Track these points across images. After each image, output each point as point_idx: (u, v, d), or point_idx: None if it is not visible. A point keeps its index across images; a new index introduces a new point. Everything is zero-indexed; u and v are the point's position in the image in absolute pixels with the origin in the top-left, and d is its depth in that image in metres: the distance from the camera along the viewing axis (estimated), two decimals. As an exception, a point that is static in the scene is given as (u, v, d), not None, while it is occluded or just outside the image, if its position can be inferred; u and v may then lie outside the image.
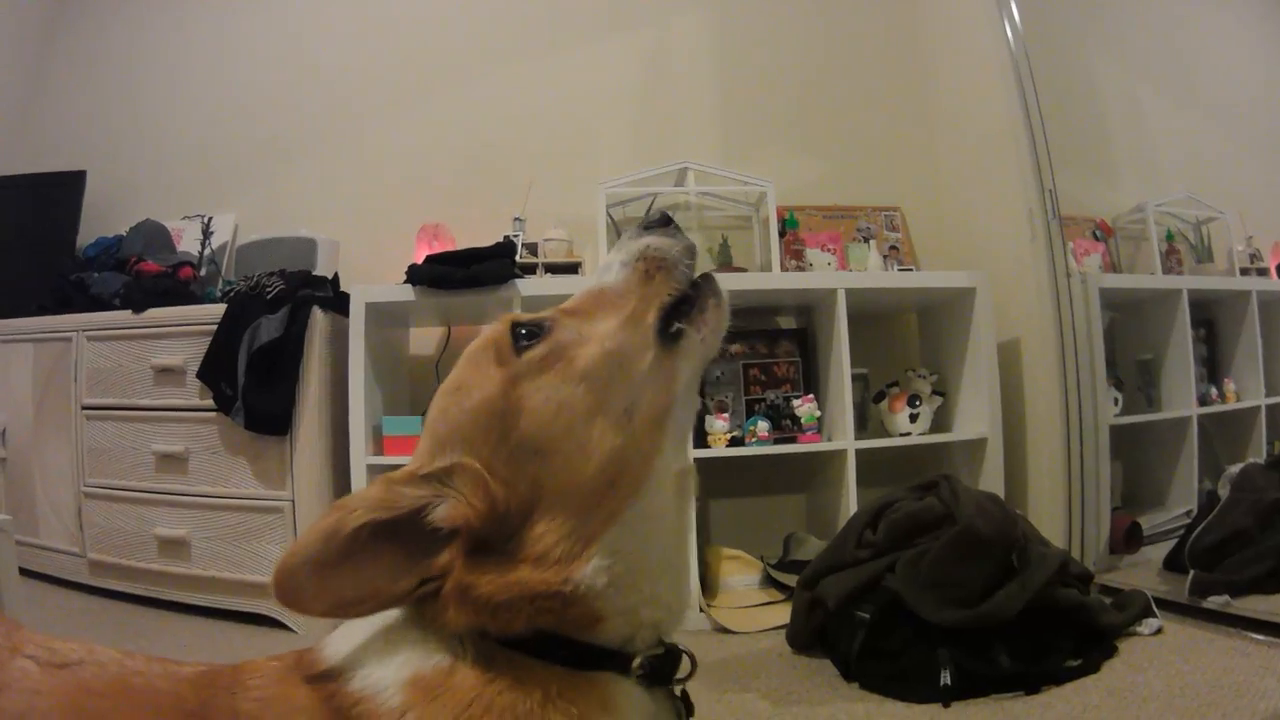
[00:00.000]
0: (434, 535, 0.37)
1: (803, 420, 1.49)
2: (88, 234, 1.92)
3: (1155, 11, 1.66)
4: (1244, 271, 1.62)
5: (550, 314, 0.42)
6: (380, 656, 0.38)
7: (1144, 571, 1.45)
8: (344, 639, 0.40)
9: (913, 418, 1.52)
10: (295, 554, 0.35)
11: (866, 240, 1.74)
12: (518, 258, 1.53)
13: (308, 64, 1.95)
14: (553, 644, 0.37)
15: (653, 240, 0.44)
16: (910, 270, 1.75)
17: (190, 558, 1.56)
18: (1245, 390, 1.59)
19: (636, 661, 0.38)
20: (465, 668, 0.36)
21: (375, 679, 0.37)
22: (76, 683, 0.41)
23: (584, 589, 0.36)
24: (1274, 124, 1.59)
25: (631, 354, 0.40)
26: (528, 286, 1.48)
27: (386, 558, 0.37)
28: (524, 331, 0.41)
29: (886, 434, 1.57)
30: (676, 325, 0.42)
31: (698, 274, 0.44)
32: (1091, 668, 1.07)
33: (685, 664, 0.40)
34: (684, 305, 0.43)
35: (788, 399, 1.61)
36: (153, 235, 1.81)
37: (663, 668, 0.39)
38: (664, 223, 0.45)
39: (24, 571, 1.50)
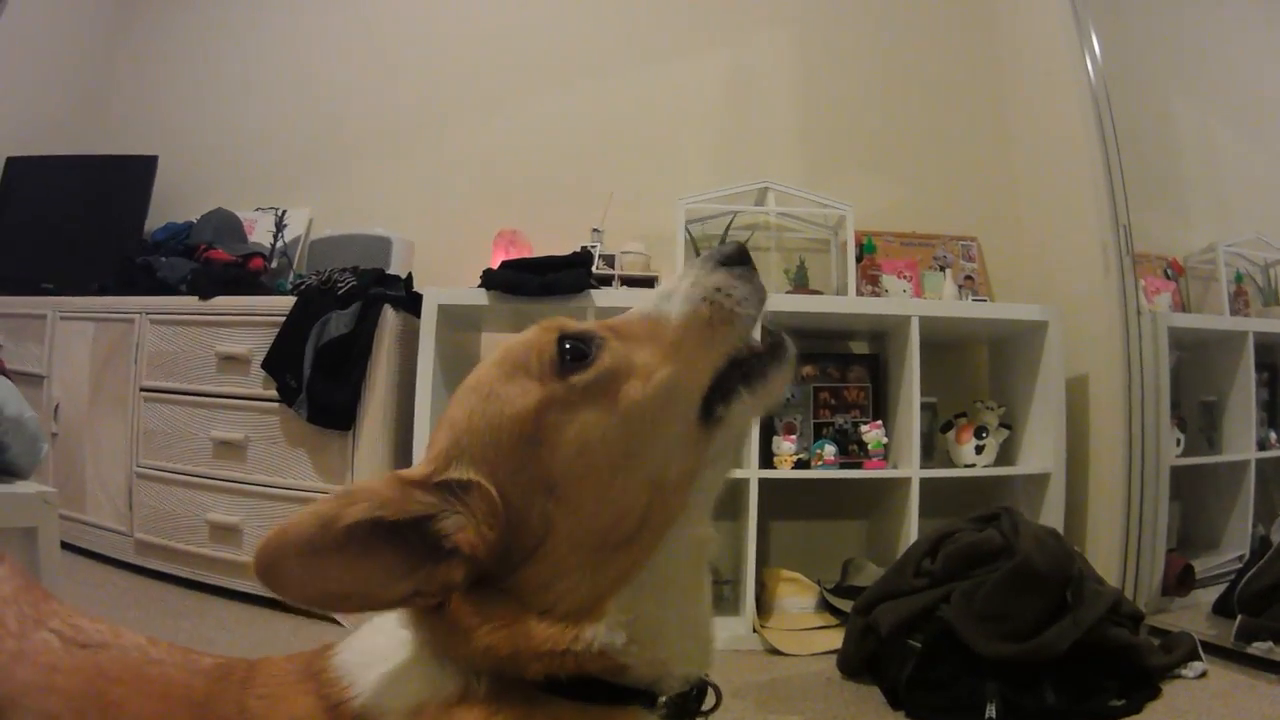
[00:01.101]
0: (437, 544, 0.35)
1: (869, 446, 1.53)
2: (157, 219, 1.97)
3: (1234, 51, 1.68)
4: (1312, 316, 1.64)
5: (599, 331, 0.39)
6: (391, 679, 0.36)
7: (1193, 614, 1.47)
8: (361, 647, 0.38)
9: (979, 449, 1.55)
10: (284, 534, 0.33)
11: (942, 269, 1.77)
12: (594, 268, 1.56)
13: (390, 61, 2.00)
14: (574, 681, 0.34)
15: (726, 281, 0.40)
16: (984, 301, 1.78)
17: (242, 545, 1.59)
18: (1308, 437, 1.61)
19: (661, 700, 0.36)
20: (474, 704, 0.34)
21: (380, 703, 0.35)
22: (94, 665, 0.41)
23: (598, 647, 0.34)
24: None
25: (673, 409, 0.37)
26: (603, 298, 1.52)
27: (383, 557, 0.34)
28: (570, 347, 0.37)
29: (952, 464, 1.60)
30: (720, 409, 0.38)
31: (766, 320, 0.41)
32: (1135, 709, 1.09)
33: (710, 696, 0.39)
34: (741, 367, 0.40)
35: (856, 424, 1.64)
36: (224, 224, 1.86)
37: (687, 702, 0.38)
38: (741, 259, 0.41)
39: (67, 546, 1.56)
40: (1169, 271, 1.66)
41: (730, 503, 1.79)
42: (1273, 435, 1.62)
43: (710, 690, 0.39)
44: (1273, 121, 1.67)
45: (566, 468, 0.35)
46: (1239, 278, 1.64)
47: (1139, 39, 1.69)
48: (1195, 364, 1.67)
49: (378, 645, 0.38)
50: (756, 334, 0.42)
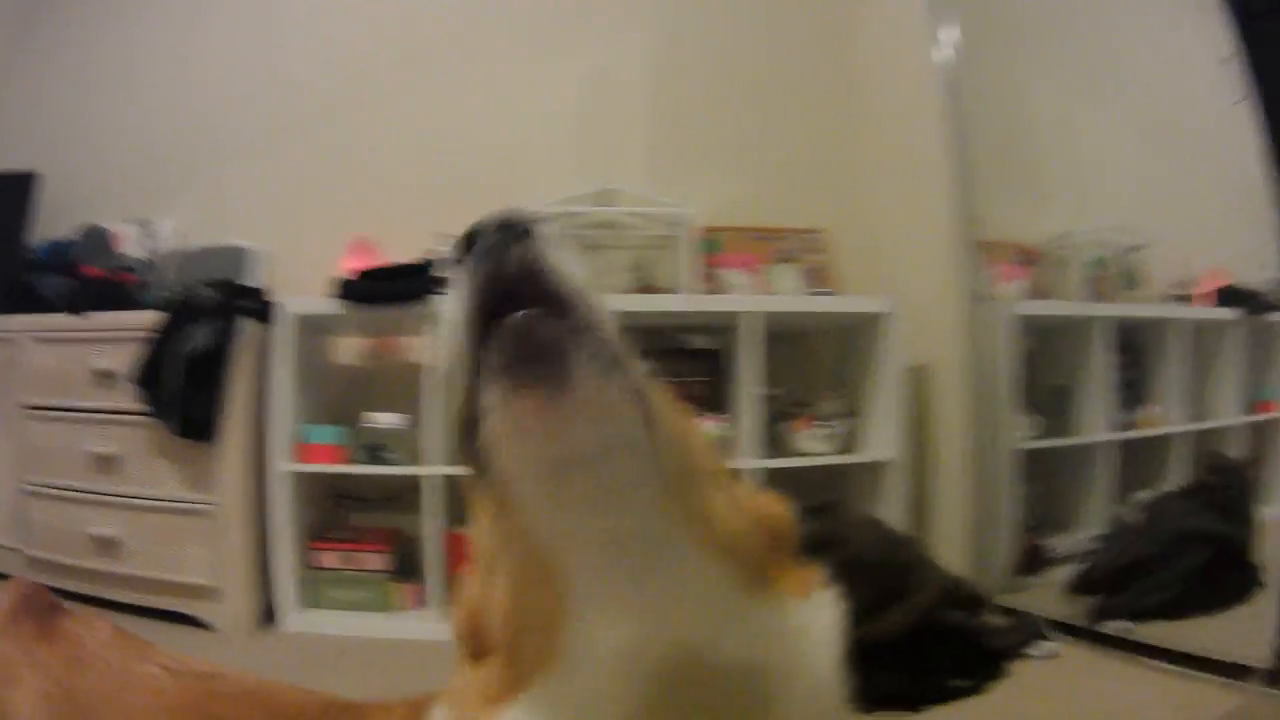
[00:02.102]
0: None
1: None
2: (42, 235, 2.01)
3: (1094, 38, 1.69)
4: (1173, 298, 1.67)
5: None
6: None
7: (1049, 594, 1.50)
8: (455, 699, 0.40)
9: (820, 439, 1.59)
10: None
11: (788, 262, 1.81)
12: (437, 274, 1.61)
13: (250, 74, 2.04)
14: None
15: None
16: (828, 294, 1.81)
17: (122, 557, 1.64)
18: (1166, 416, 1.64)
19: None
20: None
21: None
22: (204, 689, 0.48)
23: None
24: (1210, 152, 1.64)
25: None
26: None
27: None
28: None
29: (795, 454, 1.63)
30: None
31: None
32: (976, 689, 1.13)
33: None
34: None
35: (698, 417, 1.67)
36: (98, 239, 1.91)
37: None
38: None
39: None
40: (1023, 258, 1.69)
41: None
42: (1131, 416, 1.65)
43: None
44: (1137, 107, 1.68)
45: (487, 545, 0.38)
46: (1097, 263, 1.67)
47: (996, 23, 1.71)
48: (1050, 350, 1.70)
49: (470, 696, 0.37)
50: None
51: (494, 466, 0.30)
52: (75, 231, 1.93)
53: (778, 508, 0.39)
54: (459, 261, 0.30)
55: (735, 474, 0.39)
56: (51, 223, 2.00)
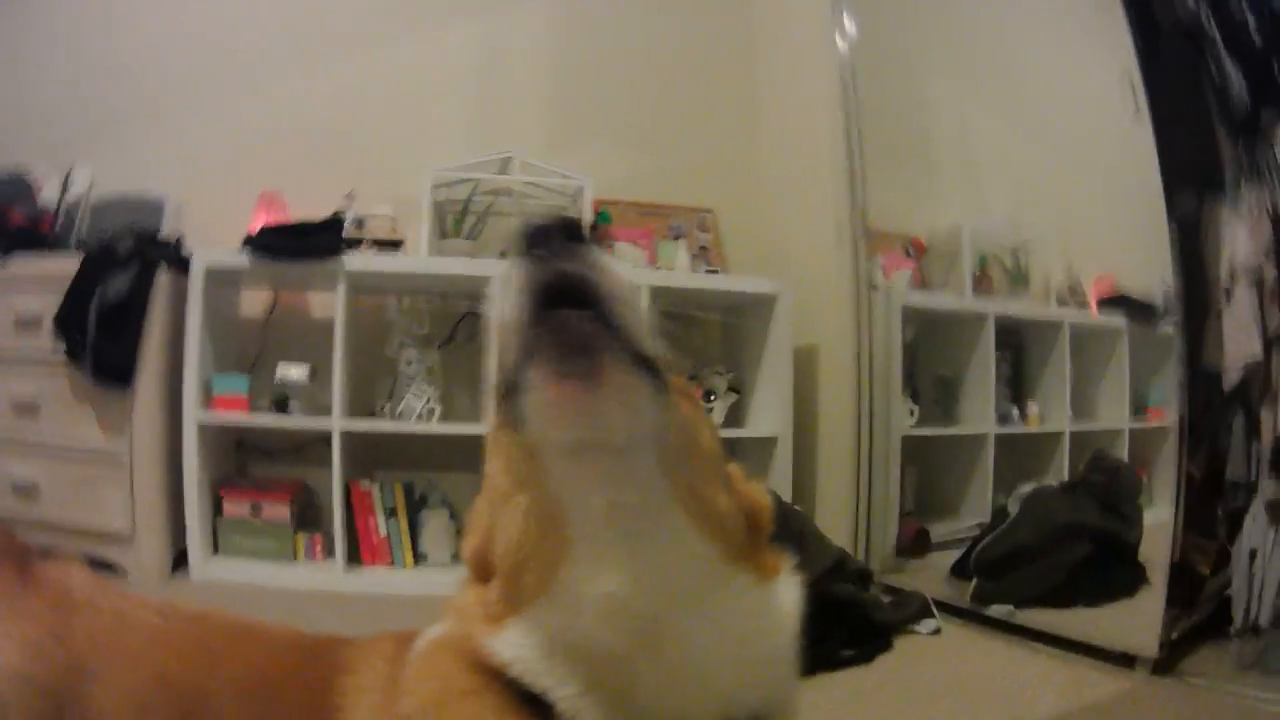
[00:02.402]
0: None
1: None
2: (-38, 179, 2.02)
3: (990, 33, 1.73)
4: (1062, 301, 1.76)
5: None
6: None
7: (931, 576, 1.58)
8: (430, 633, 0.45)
9: (707, 412, 1.66)
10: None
11: (677, 239, 1.88)
12: (346, 232, 1.66)
13: (169, 27, 2.04)
14: None
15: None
16: (717, 272, 1.89)
17: (40, 501, 1.67)
18: (1049, 415, 1.73)
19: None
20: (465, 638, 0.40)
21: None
22: (199, 628, 0.49)
23: (495, 654, 0.38)
24: (1103, 156, 1.69)
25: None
26: (353, 262, 1.63)
27: None
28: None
29: None
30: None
31: None
32: (864, 659, 1.18)
33: None
34: None
35: None
36: (20, 185, 1.93)
37: None
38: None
39: (-125, 508, 1.63)
40: (910, 249, 1.77)
41: (472, 458, 1.90)
42: (1015, 411, 1.75)
43: None
44: (1033, 111, 1.72)
45: (495, 496, 0.41)
46: (983, 260, 1.76)
47: (896, 17, 1.76)
48: (934, 340, 1.79)
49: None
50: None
51: (524, 428, 0.34)
52: (-1, 177, 1.94)
53: (761, 496, 0.45)
54: (518, 254, 0.34)
55: (729, 461, 0.43)
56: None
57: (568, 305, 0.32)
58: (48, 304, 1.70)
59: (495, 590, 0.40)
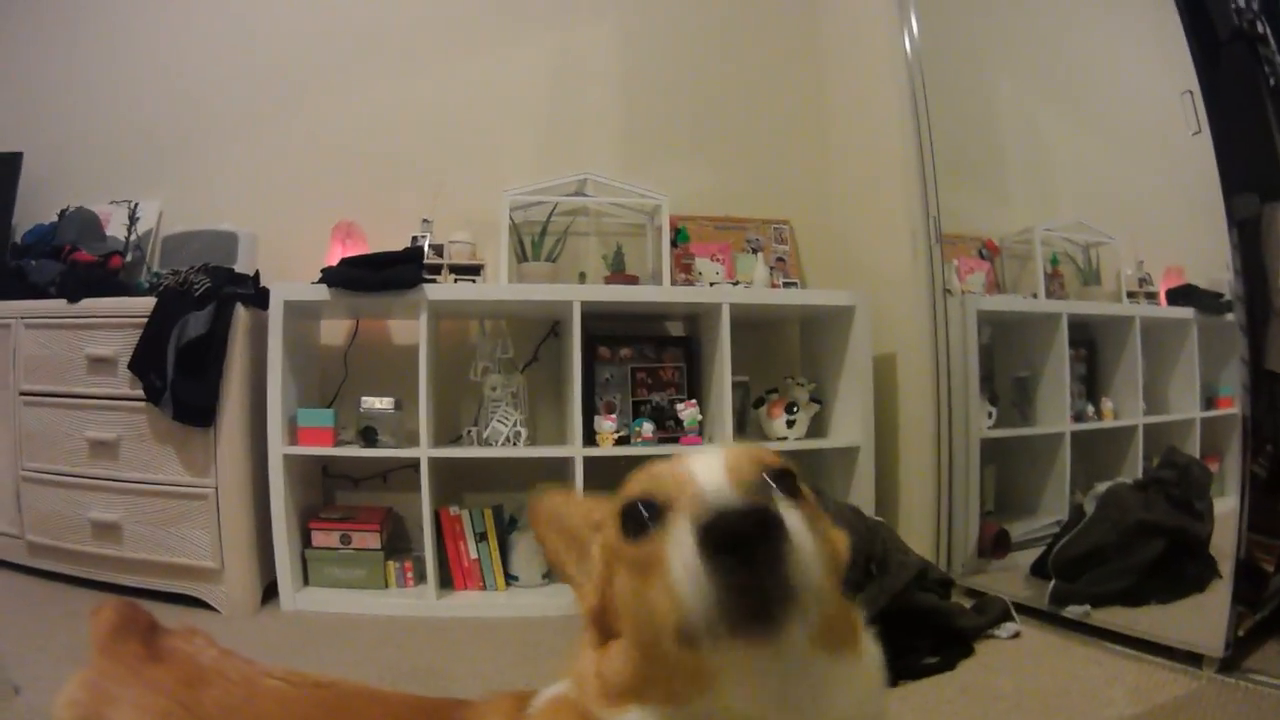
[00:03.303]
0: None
1: (685, 423, 1.67)
2: (25, 217, 2.04)
3: (1054, 35, 1.76)
4: (1132, 295, 1.78)
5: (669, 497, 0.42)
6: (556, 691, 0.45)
7: (1011, 577, 1.62)
8: (548, 693, 0.47)
9: (790, 423, 1.70)
10: (553, 502, 0.48)
11: (755, 252, 1.90)
12: (425, 259, 1.69)
13: (234, 58, 2.07)
14: None
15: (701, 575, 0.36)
16: (795, 283, 1.93)
17: (122, 541, 1.70)
18: (1122, 409, 1.75)
19: None
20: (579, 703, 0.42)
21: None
22: (328, 695, 0.51)
23: None
24: (1169, 149, 1.72)
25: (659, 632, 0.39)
26: (435, 291, 1.65)
27: (574, 547, 0.47)
28: (633, 518, 0.41)
29: (765, 438, 1.75)
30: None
31: None
32: (947, 666, 1.22)
33: None
34: None
35: (672, 402, 1.79)
36: (85, 223, 1.95)
37: None
38: (725, 547, 0.35)
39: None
40: (984, 252, 1.79)
41: (559, 478, 1.94)
42: (1090, 408, 1.78)
43: None
44: (1096, 105, 1.75)
45: (619, 604, 0.42)
46: (1055, 260, 1.78)
47: (962, 21, 1.78)
48: (1010, 342, 1.81)
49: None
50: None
51: (696, 644, 0.35)
52: (62, 215, 1.96)
53: (841, 542, 0.46)
54: (704, 541, 0.34)
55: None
56: (34, 205, 2.02)
57: (749, 555, 0.34)
58: (120, 344, 1.73)
59: (618, 670, 0.41)
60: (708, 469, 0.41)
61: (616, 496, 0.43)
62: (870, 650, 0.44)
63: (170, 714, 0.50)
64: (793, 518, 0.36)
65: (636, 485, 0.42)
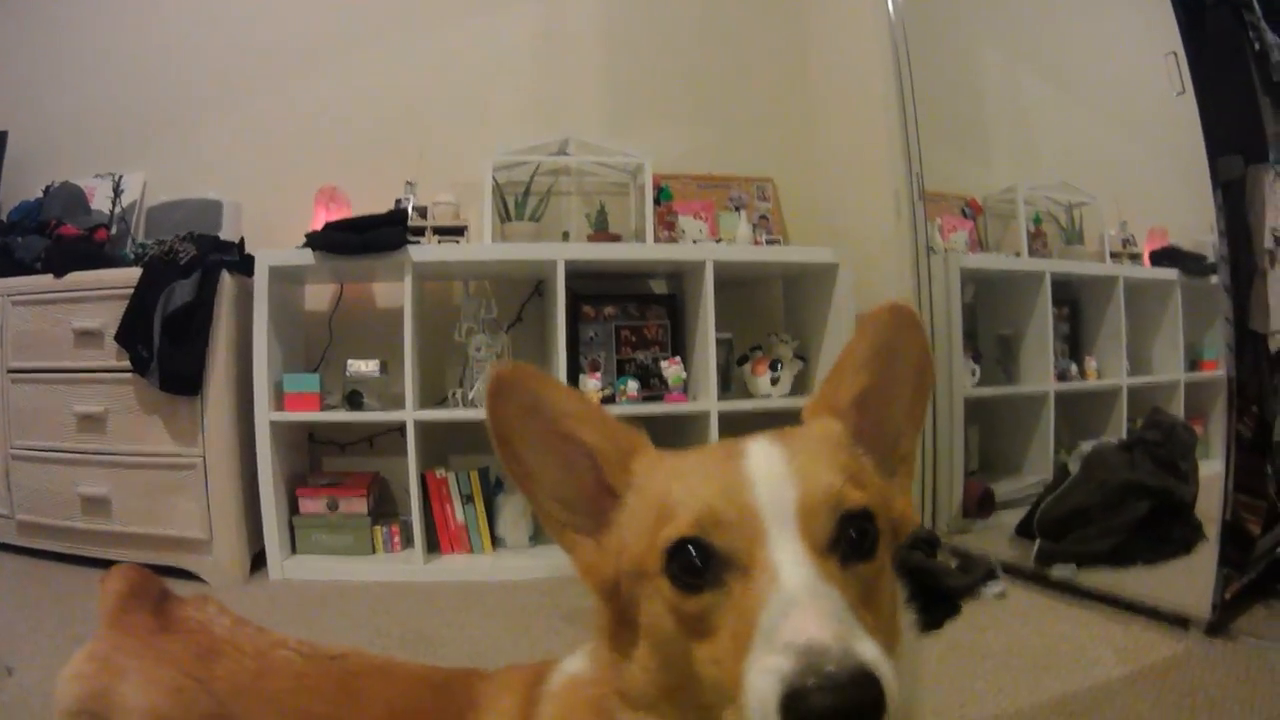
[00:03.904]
0: (605, 522, 0.39)
1: (670, 381, 1.68)
2: (10, 195, 2.04)
3: (1041, 5, 1.77)
4: (1115, 255, 1.79)
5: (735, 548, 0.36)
6: (574, 666, 0.43)
7: (997, 536, 1.62)
8: (571, 667, 0.45)
9: (774, 381, 1.71)
10: (527, 373, 0.38)
11: (738, 209, 1.92)
12: (408, 221, 1.70)
13: (218, 24, 2.07)
14: None
15: None
16: (777, 241, 1.94)
17: (111, 515, 1.70)
18: (1106, 370, 1.77)
19: None
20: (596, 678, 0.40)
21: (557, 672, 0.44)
22: (341, 668, 0.50)
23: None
24: (1153, 111, 1.70)
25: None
26: (418, 253, 1.67)
27: (569, 473, 0.40)
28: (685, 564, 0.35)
29: (749, 395, 1.76)
30: None
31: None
32: (934, 625, 1.22)
33: None
34: None
35: (656, 360, 1.80)
36: (70, 198, 1.96)
37: None
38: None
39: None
40: (966, 210, 1.81)
41: None
42: (1073, 367, 1.79)
43: None
44: (1080, 66, 1.76)
45: (644, 625, 0.38)
46: (1038, 219, 1.80)
47: None
48: (993, 300, 1.83)
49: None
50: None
51: None
52: (47, 191, 1.97)
53: (899, 590, 0.43)
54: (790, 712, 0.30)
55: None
56: (19, 182, 2.01)
57: None
58: (107, 316, 1.74)
59: (640, 687, 0.38)
60: (779, 513, 0.35)
61: (643, 448, 0.38)
62: (910, 640, 0.41)
63: (182, 689, 0.49)
64: (889, 678, 0.31)
65: (689, 513, 0.36)
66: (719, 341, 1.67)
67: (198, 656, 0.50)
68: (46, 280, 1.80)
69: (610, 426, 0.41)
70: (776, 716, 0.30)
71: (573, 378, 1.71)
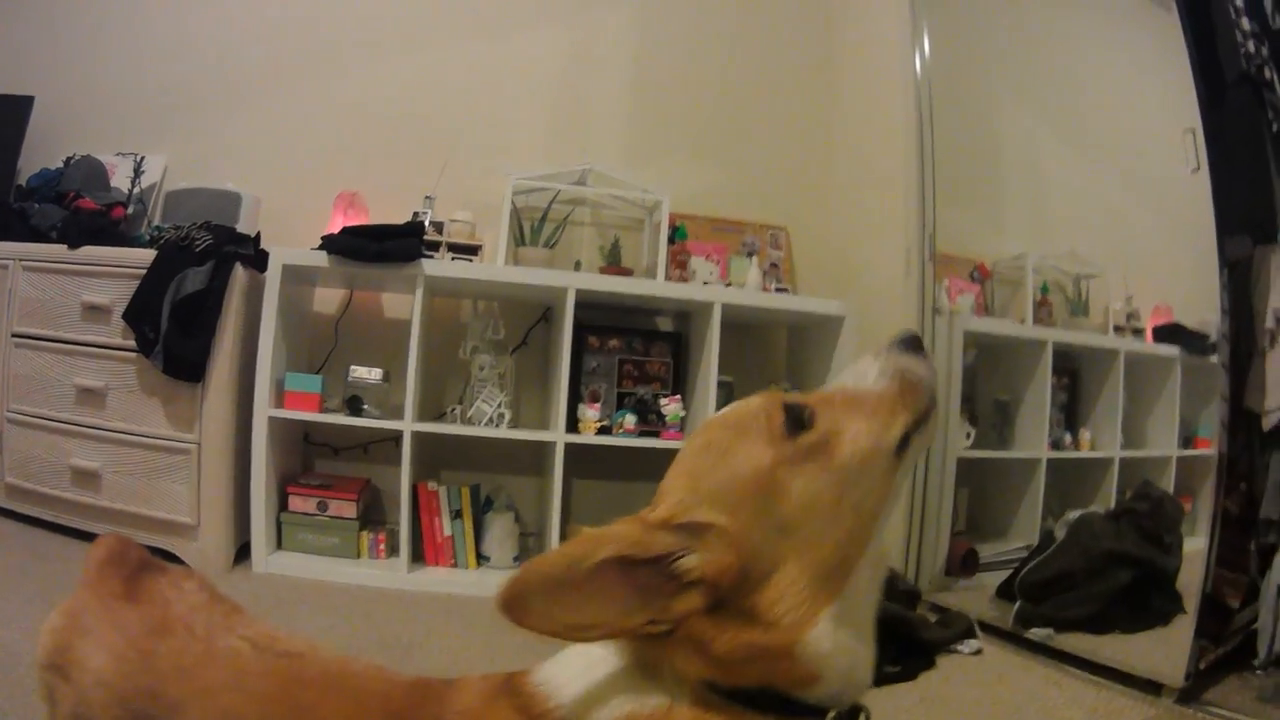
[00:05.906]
0: (673, 580, 0.40)
1: (668, 418, 1.71)
2: (32, 161, 2.07)
3: (1063, 65, 1.81)
4: (1119, 329, 1.83)
5: (812, 401, 0.47)
6: (595, 693, 0.41)
7: (977, 596, 1.66)
8: (557, 670, 0.44)
9: None
10: (534, 571, 0.38)
11: (750, 255, 1.96)
12: (424, 235, 1.73)
13: (251, 21, 2.10)
14: (766, 697, 0.41)
15: (911, 363, 0.49)
16: (786, 290, 1.98)
17: (101, 490, 1.73)
18: (1101, 441, 1.80)
19: (831, 715, 0.43)
20: (682, 709, 0.40)
21: (585, 714, 0.40)
22: (288, 670, 0.46)
23: (810, 651, 0.41)
24: (1167, 186, 1.69)
25: (876, 458, 0.45)
26: (432, 267, 1.70)
27: (620, 591, 0.39)
28: (794, 415, 0.45)
29: None
30: (908, 437, 0.46)
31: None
32: (909, 676, 1.26)
33: (863, 718, 0.46)
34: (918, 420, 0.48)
35: (656, 396, 1.84)
36: (91, 172, 1.99)
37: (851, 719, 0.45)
38: (916, 346, 0.50)
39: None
40: (975, 274, 1.85)
41: (538, 462, 1.97)
42: (1068, 437, 1.83)
43: (864, 714, 0.46)
44: (1098, 138, 1.80)
45: (799, 512, 0.42)
46: (1045, 289, 1.83)
47: (973, 46, 1.84)
48: (993, 364, 1.87)
49: (575, 665, 0.43)
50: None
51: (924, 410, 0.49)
52: (69, 162, 2.00)
53: None
54: (907, 343, 0.52)
55: None
56: (41, 150, 2.04)
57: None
58: (117, 294, 1.77)
59: (798, 587, 0.42)
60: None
61: (756, 407, 0.46)
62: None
63: (125, 658, 0.49)
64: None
65: (766, 400, 0.47)
66: (720, 384, 1.70)
67: (149, 630, 0.50)
68: (60, 250, 1.83)
69: (633, 523, 0.43)
70: (908, 353, 0.49)
71: (572, 405, 1.75)
